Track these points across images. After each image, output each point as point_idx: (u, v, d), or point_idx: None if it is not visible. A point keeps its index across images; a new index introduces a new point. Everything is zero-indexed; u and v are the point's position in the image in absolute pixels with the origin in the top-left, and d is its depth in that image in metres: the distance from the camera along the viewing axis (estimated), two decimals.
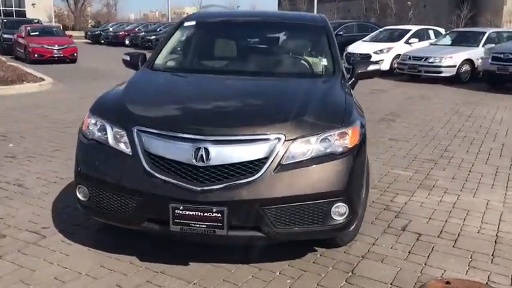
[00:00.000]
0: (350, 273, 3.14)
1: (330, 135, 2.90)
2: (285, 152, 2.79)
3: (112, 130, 3.01)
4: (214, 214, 2.69)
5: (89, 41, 39.01)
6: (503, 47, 12.52)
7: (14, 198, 4.32)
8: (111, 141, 2.98)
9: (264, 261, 3.23)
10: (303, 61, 4.21)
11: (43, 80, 12.42)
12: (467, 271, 3.22)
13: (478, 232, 3.84)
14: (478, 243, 3.62)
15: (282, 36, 4.51)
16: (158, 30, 32.83)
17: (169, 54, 4.26)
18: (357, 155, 2.96)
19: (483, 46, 14.11)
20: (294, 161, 2.80)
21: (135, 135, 2.90)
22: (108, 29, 40.46)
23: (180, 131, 2.82)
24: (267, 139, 2.79)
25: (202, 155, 2.73)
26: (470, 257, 3.41)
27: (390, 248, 3.53)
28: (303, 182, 2.78)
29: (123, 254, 3.30)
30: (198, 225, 2.73)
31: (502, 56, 11.76)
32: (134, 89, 3.53)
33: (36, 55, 18.32)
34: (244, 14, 5.73)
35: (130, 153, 2.89)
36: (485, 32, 14.94)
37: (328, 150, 2.88)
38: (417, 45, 15.94)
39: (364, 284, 3.02)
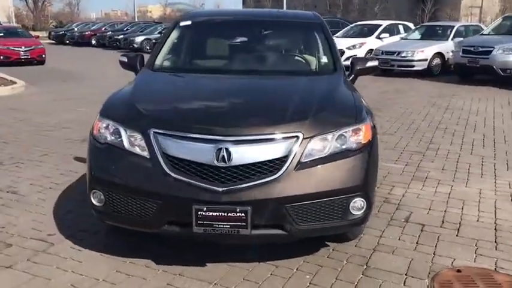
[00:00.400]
0: (365, 266, 3.21)
1: (345, 131, 2.96)
2: (304, 150, 2.83)
3: (126, 133, 2.98)
4: (238, 214, 2.70)
5: (53, 41, 38.05)
6: (472, 40, 12.91)
7: (12, 206, 4.21)
8: (126, 144, 2.95)
9: (278, 259, 3.26)
10: (304, 59, 4.25)
11: (15, 83, 12.06)
12: (475, 258, 3.34)
13: (478, 220, 3.98)
14: (480, 232, 3.76)
15: (280, 34, 4.55)
16: (125, 29, 32.36)
17: (169, 55, 4.23)
18: (370, 150, 3.03)
19: (452, 40, 14.51)
20: (312, 158, 2.84)
21: (152, 137, 2.87)
22: (73, 29, 39.55)
23: (200, 132, 2.81)
24: (287, 137, 2.82)
25: (223, 156, 2.73)
26: (475, 245, 3.54)
27: (398, 239, 3.62)
28: (323, 179, 2.82)
29: (137, 257, 3.27)
30: (222, 226, 2.73)
31: (472, 49, 12.13)
32: (143, 90, 3.50)
33: (1, 57, 17.75)
34: (238, 13, 5.73)
35: (148, 156, 2.87)
36: (453, 26, 15.39)
37: (344, 147, 2.93)
38: (388, 40, 16.25)
39: (380, 276, 3.09)
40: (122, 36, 29.66)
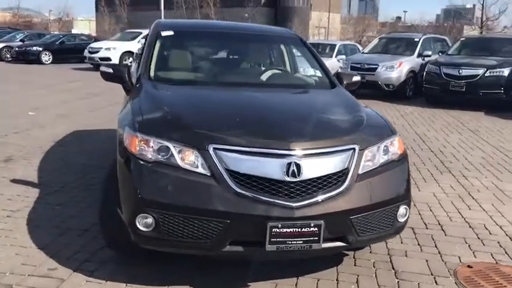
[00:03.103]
0: (393, 271, 3.39)
1: (387, 144, 3.11)
2: (360, 162, 2.91)
3: (176, 150, 2.76)
4: (311, 229, 2.68)
5: None
6: (358, 58, 14.12)
7: None
8: (179, 162, 2.73)
9: (309, 272, 3.27)
10: (303, 72, 4.34)
11: None
12: (474, 254, 3.72)
13: (452, 221, 4.42)
14: (461, 230, 4.18)
15: (268, 47, 4.58)
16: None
17: (162, 66, 3.99)
18: (407, 160, 3.23)
19: (335, 57, 15.74)
20: (367, 170, 2.94)
21: (212, 154, 2.71)
22: None
23: (267, 146, 2.73)
24: (346, 150, 2.88)
25: (294, 170, 2.69)
26: (466, 242, 3.93)
27: (401, 243, 3.86)
28: (379, 190, 2.93)
29: (173, 284, 3.03)
30: (295, 242, 2.68)
31: (359, 65, 13.25)
32: (177, 104, 3.25)
33: None
34: (218, 25, 5.53)
35: (209, 174, 2.69)
36: (335, 44, 16.71)
37: (388, 158, 3.08)
38: None
39: (413, 278, 3.29)
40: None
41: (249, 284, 3.10)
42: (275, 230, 2.63)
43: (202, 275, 3.18)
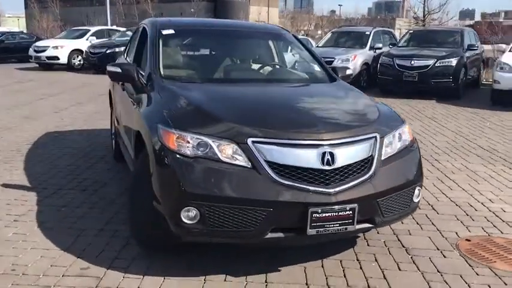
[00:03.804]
0: (404, 248, 3.67)
1: (400, 131, 3.38)
2: (382, 149, 3.16)
3: (216, 144, 2.88)
4: (347, 212, 2.89)
5: None
6: (316, 51, 14.51)
7: None
8: (220, 156, 2.86)
9: (329, 255, 3.49)
10: (306, 66, 4.53)
11: None
12: (467, 229, 4.09)
13: (438, 200, 4.79)
14: (450, 209, 4.55)
15: (268, 44, 4.74)
16: None
17: (170, 64, 4.07)
18: (417, 145, 3.52)
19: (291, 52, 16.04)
20: (388, 156, 3.19)
21: (251, 147, 2.86)
22: None
23: (303, 138, 2.92)
24: (370, 138, 3.12)
25: (328, 159, 2.90)
26: (457, 219, 4.30)
27: (401, 223, 4.14)
28: (399, 174, 3.20)
29: (209, 274, 3.16)
30: (332, 225, 2.89)
31: None
32: (202, 100, 3.37)
33: None
34: (214, 24, 5.58)
35: (250, 166, 2.84)
36: None
37: (402, 144, 3.35)
38: None
39: (423, 253, 3.58)
40: None
41: (279, 268, 3.27)
42: (315, 215, 2.83)
43: (234, 263, 3.31)
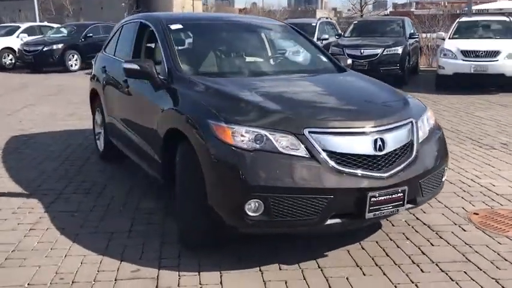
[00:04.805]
0: (426, 225, 3.92)
1: (426, 116, 3.59)
2: (418, 133, 3.35)
3: (273, 137, 2.93)
4: (399, 194, 3.06)
5: None
6: None
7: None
8: (279, 147, 2.91)
9: (364, 238, 3.65)
10: (319, 57, 4.63)
11: None
12: (471, 203, 4.42)
13: None
14: (450, 187, 4.79)
15: (275, 36, 4.80)
16: None
17: (187, 59, 4.02)
18: (441, 128, 3.75)
19: None
20: (423, 139, 3.39)
21: (309, 137, 2.94)
22: None
23: (356, 126, 3.04)
24: (409, 123, 3.31)
25: (380, 145, 3.04)
26: (458, 195, 4.63)
27: None
28: (434, 155, 3.42)
29: (262, 265, 3.20)
30: (387, 208, 3.05)
31: None
32: (245, 93, 3.40)
33: None
34: (218, 18, 5.48)
35: (308, 155, 2.92)
36: None
37: (430, 128, 3.56)
38: None
39: (444, 228, 3.84)
40: None
41: (325, 253, 3.39)
42: (373, 199, 2.97)
43: (282, 251, 3.39)
